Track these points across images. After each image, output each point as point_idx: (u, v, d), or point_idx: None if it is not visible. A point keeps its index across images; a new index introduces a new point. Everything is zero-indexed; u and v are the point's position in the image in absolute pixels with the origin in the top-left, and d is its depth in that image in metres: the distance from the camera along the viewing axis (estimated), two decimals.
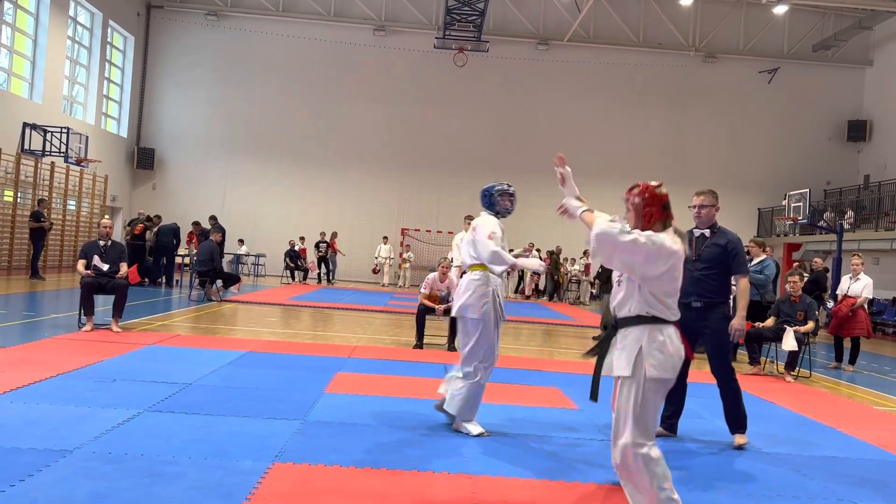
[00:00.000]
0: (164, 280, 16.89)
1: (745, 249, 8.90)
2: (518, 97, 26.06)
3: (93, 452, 4.05)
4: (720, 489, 4.27)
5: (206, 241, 14.50)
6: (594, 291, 21.76)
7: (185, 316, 11.40)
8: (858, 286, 10.37)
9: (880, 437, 5.92)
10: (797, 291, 9.02)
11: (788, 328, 8.62)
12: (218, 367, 6.96)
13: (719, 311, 5.38)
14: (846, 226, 19.86)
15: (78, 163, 19.23)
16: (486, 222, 5.29)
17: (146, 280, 16.12)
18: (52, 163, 19.14)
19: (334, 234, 23.76)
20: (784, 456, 5.11)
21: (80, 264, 8.90)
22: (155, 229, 16.91)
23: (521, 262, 5.40)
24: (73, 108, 21.87)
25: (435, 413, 5.60)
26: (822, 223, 20.74)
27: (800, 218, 19.32)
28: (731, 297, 5.97)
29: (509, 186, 5.48)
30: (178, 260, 17.37)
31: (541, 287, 23.60)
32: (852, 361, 10.43)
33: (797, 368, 8.94)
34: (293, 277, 22.06)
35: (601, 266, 12.48)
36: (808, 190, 19.75)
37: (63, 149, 18.67)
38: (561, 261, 22.83)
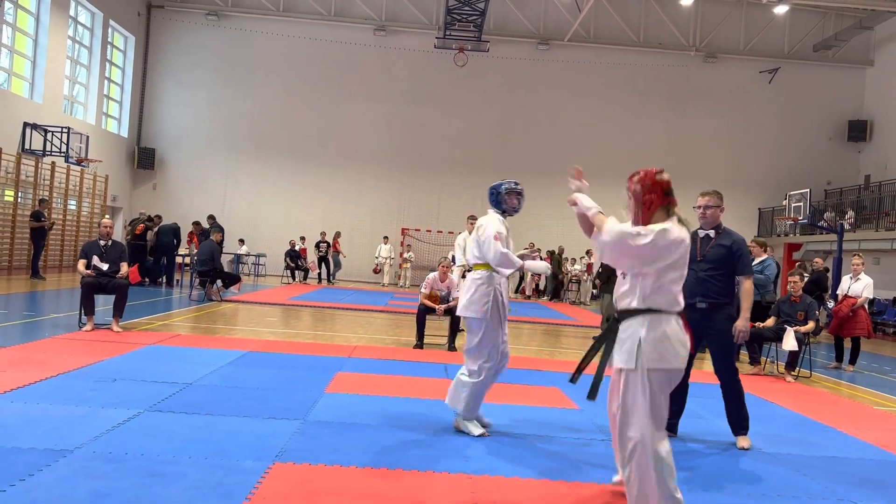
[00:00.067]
0: (164, 280, 16.89)
1: None
2: (519, 97, 26.06)
3: (93, 452, 4.05)
4: (720, 489, 4.27)
5: (206, 240, 14.51)
6: (594, 292, 21.76)
7: (186, 316, 11.40)
8: (859, 286, 10.37)
9: (880, 437, 5.91)
10: (797, 291, 9.02)
11: (789, 328, 8.62)
12: (218, 366, 6.96)
13: (724, 311, 5.36)
14: (847, 226, 19.85)
15: (78, 163, 19.24)
16: (492, 222, 5.25)
17: (146, 280, 16.13)
18: (53, 163, 19.15)
19: (337, 234, 23.79)
20: (784, 456, 5.11)
21: (81, 264, 8.90)
22: (155, 229, 16.92)
23: (528, 264, 5.37)
24: (73, 107, 21.88)
25: (435, 413, 5.60)
26: (822, 223, 20.73)
27: (800, 218, 19.31)
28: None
29: (517, 184, 5.41)
30: (178, 260, 17.37)
31: (541, 287, 23.61)
32: (853, 361, 10.43)
33: (797, 368, 8.94)
34: (293, 277, 22.06)
35: (601, 266, 12.48)
36: (808, 190, 19.75)
37: (63, 148, 18.68)
38: (562, 260, 22.84)
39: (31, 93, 19.16)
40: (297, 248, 22.41)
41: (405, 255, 24.17)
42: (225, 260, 17.40)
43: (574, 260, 23.67)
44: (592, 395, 3.59)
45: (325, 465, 4.13)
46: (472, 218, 9.68)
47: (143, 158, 25.06)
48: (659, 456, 3.29)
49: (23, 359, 6.58)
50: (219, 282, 14.07)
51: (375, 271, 24.43)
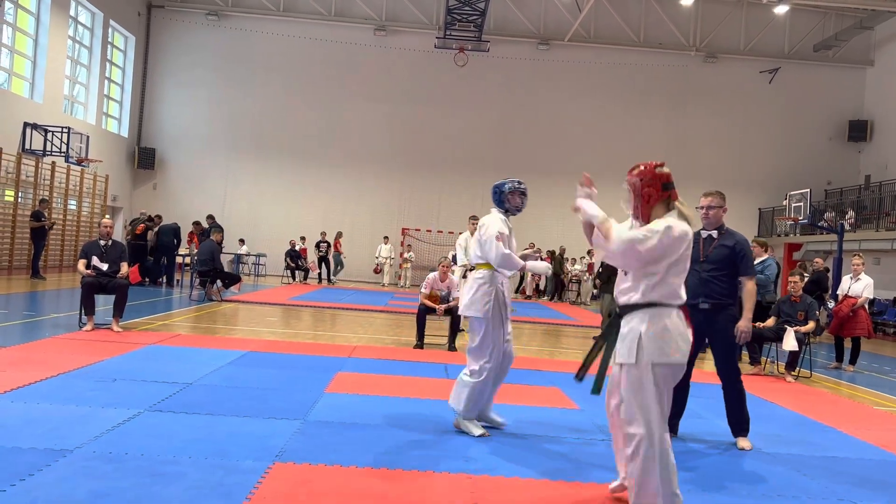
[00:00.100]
0: (164, 280, 16.89)
1: None
2: (519, 97, 26.06)
3: (93, 452, 4.05)
4: (720, 489, 4.27)
5: (206, 240, 14.51)
6: (594, 291, 21.76)
7: (186, 316, 11.40)
8: (859, 286, 10.37)
9: (881, 437, 5.91)
10: (798, 291, 9.02)
11: (789, 328, 8.62)
12: (218, 366, 6.96)
13: (727, 312, 5.35)
14: (847, 226, 19.85)
15: (79, 162, 19.24)
16: (494, 222, 5.25)
17: (147, 280, 16.13)
18: (53, 162, 19.15)
19: (339, 234, 23.80)
20: (784, 456, 5.11)
21: (81, 264, 8.90)
22: (156, 229, 16.92)
23: (529, 265, 5.36)
24: (73, 107, 21.88)
25: (435, 413, 5.61)
26: (822, 223, 20.73)
27: (800, 218, 19.31)
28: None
29: (521, 183, 5.39)
30: (178, 260, 17.38)
31: (541, 287, 23.61)
32: (853, 361, 10.43)
33: (798, 368, 8.94)
34: (293, 277, 22.06)
35: (601, 266, 12.47)
36: (808, 190, 19.74)
37: (64, 148, 18.69)
38: (563, 260, 22.83)
39: (32, 93, 19.16)
40: (297, 248, 22.42)
41: (405, 255, 24.17)
42: (225, 260, 17.40)
43: (574, 260, 23.67)
44: (597, 389, 3.57)
45: (325, 465, 4.13)
46: (474, 218, 9.68)
47: (144, 158, 25.07)
48: (662, 452, 3.26)
49: (23, 359, 6.59)
50: (219, 282, 14.07)
51: (376, 271, 24.43)
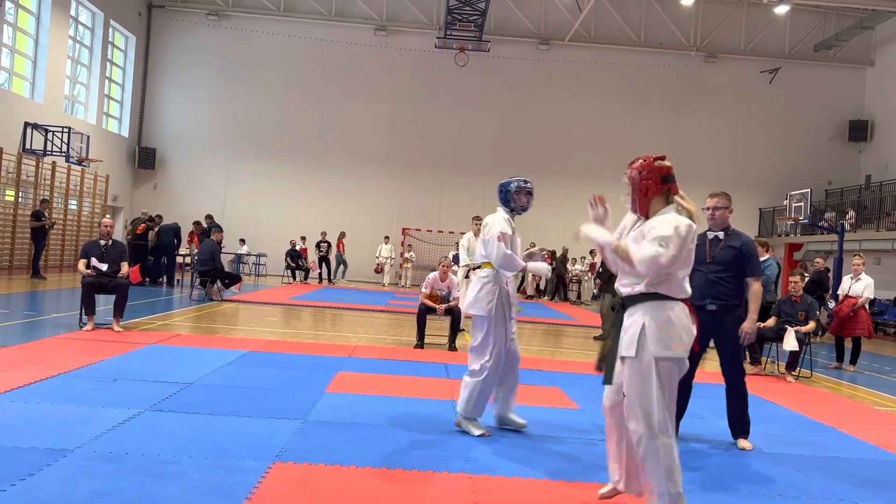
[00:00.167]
0: (164, 280, 16.89)
1: None
2: (519, 97, 26.06)
3: (93, 452, 4.05)
4: (720, 489, 4.27)
5: (207, 240, 14.51)
6: (595, 291, 21.75)
7: (186, 315, 11.40)
8: (860, 286, 10.36)
9: (881, 437, 5.91)
10: (798, 291, 9.01)
11: (789, 328, 8.61)
12: (219, 366, 6.96)
13: (734, 314, 5.33)
14: (847, 226, 19.84)
15: (79, 162, 19.25)
16: (497, 221, 5.24)
17: (147, 280, 16.13)
18: (54, 162, 19.16)
19: (342, 235, 23.82)
20: (784, 456, 5.11)
21: (81, 264, 8.90)
22: (156, 229, 16.92)
23: (531, 266, 5.34)
24: (74, 107, 21.88)
25: (436, 413, 5.61)
26: (823, 223, 20.73)
27: (801, 218, 19.32)
28: None
29: (527, 182, 5.35)
30: (179, 259, 17.38)
31: (541, 287, 23.61)
32: (853, 362, 10.42)
33: (798, 368, 8.93)
34: (294, 277, 22.07)
35: (601, 266, 12.46)
36: (809, 190, 19.74)
37: (64, 148, 18.69)
38: (566, 260, 22.80)
39: (32, 93, 19.16)
40: (297, 247, 22.42)
41: (406, 255, 24.17)
42: (225, 260, 17.40)
43: (575, 260, 23.66)
44: (608, 380, 3.52)
45: (326, 465, 4.13)
46: (478, 219, 9.68)
47: (144, 158, 25.07)
48: (665, 450, 3.22)
49: (23, 358, 6.59)
50: (219, 282, 14.07)
51: (376, 271, 24.44)
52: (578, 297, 23.64)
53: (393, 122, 25.75)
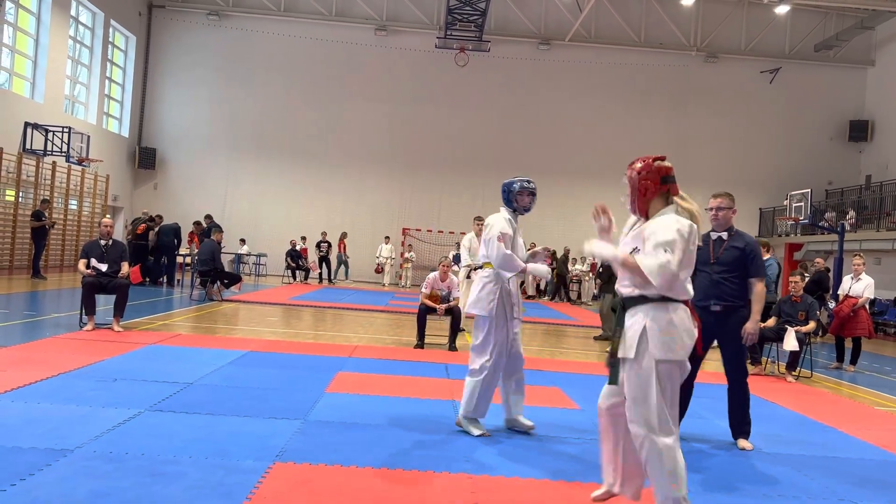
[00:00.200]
0: (165, 280, 16.90)
1: None
2: (519, 97, 26.06)
3: (93, 452, 4.05)
4: (721, 489, 4.27)
5: (207, 240, 14.51)
6: (595, 292, 21.76)
7: (186, 315, 11.40)
8: (860, 286, 10.36)
9: (881, 437, 5.91)
10: (798, 291, 9.01)
11: (790, 328, 8.61)
12: (219, 366, 6.96)
13: (739, 314, 5.32)
14: (847, 226, 19.84)
15: (79, 162, 19.25)
16: (498, 221, 5.22)
17: (147, 280, 16.13)
18: (54, 162, 19.16)
19: (343, 235, 23.82)
20: (784, 456, 5.10)
21: (81, 264, 8.90)
22: (156, 229, 16.93)
23: (531, 267, 5.31)
24: (74, 107, 21.89)
25: (436, 413, 5.61)
26: (823, 223, 20.72)
27: (801, 218, 19.31)
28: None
29: (529, 182, 5.33)
30: (179, 259, 17.38)
31: (542, 287, 23.60)
32: (853, 362, 10.42)
33: (798, 368, 8.93)
34: (294, 277, 22.07)
35: (601, 266, 12.46)
36: (809, 190, 19.73)
37: (64, 148, 18.70)
38: (567, 260, 22.81)
39: (32, 92, 19.17)
40: (297, 247, 22.43)
41: (406, 255, 24.18)
42: (225, 260, 17.40)
43: (575, 259, 23.66)
44: (614, 379, 3.49)
45: (326, 465, 4.13)
46: (479, 219, 9.68)
47: (144, 158, 25.08)
48: (667, 453, 3.21)
49: (23, 358, 6.59)
50: (219, 282, 14.07)
51: (377, 271, 24.45)
52: (579, 296, 23.63)
53: (393, 122, 25.75)
